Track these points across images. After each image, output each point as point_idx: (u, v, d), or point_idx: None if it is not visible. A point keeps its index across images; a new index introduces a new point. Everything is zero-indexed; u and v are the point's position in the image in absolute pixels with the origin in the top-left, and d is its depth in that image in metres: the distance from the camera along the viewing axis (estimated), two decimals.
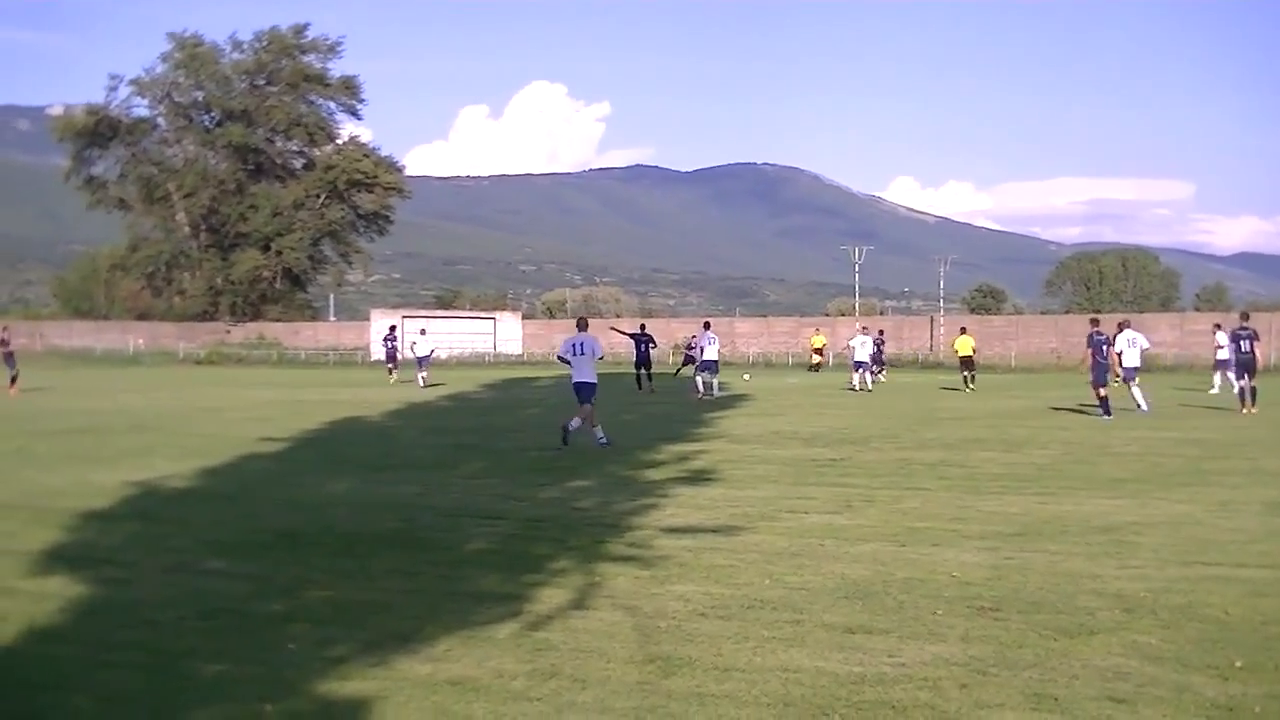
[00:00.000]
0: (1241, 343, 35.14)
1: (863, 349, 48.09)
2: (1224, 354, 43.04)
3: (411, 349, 59.72)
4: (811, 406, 38.09)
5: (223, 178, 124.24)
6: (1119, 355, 34.99)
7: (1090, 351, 33.72)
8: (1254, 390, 34.26)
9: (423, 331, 60.47)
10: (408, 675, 8.17)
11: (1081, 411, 34.42)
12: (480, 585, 11.00)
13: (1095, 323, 36.76)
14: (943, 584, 10.88)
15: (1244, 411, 33.45)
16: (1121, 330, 35.55)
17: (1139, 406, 33.54)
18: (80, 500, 16.61)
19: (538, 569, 11.67)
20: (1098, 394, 32.57)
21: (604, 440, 24.72)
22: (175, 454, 23.02)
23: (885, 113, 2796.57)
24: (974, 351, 50.38)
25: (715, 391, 43.21)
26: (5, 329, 50.90)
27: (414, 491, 17.68)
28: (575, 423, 25.03)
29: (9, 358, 48.15)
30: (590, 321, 30.13)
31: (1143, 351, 35.89)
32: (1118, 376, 35.27)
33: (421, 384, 54.71)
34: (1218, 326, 44.96)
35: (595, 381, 25.47)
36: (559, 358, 26.83)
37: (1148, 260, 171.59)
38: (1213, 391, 43.28)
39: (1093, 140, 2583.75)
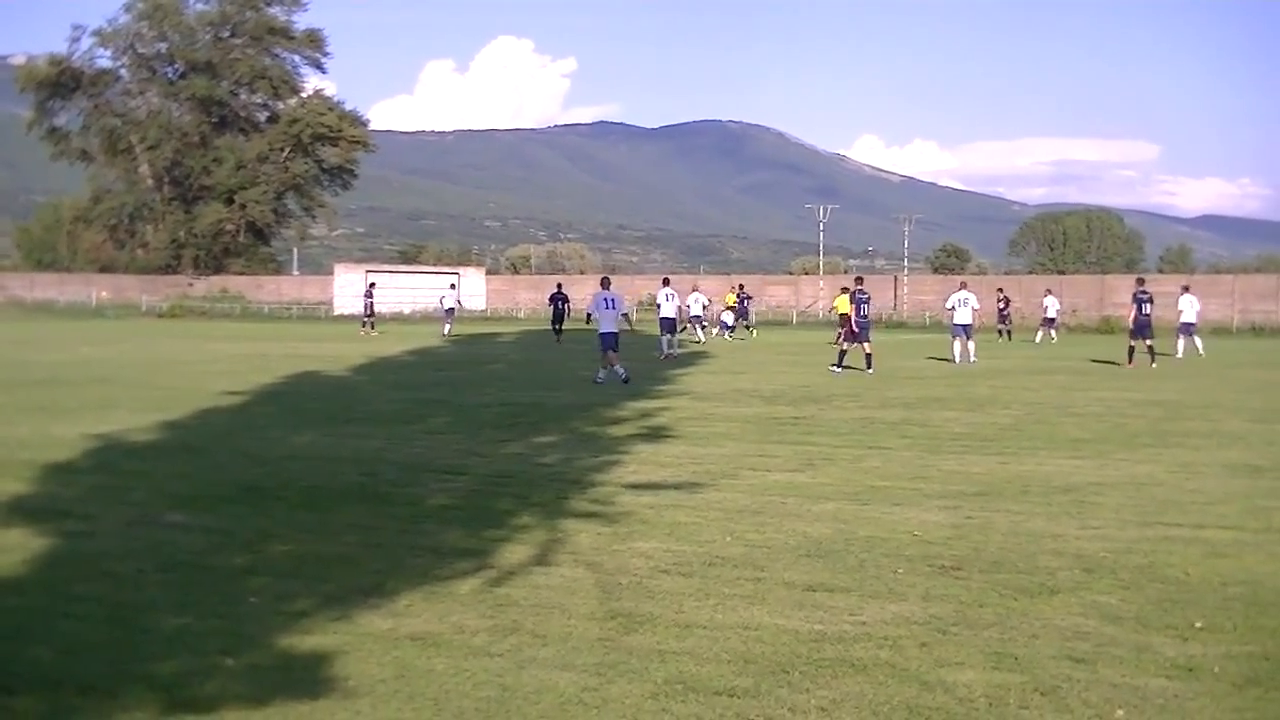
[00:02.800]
0: (1142, 305, 38.78)
1: (963, 310, 40.10)
2: (1187, 316, 44.40)
3: (441, 302, 63.89)
4: (774, 365, 38.13)
5: (186, 130, 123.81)
6: (1179, 313, 43.22)
7: (1134, 307, 38.97)
8: (1151, 349, 38.17)
9: (452, 286, 67.62)
10: (369, 630, 8.16)
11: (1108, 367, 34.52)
12: (442, 540, 10.99)
13: (1141, 282, 42.23)
14: (904, 543, 10.90)
15: (1131, 367, 37.26)
16: (1185, 292, 44.33)
17: (1199, 353, 42.34)
18: (42, 452, 16.55)
19: (500, 524, 11.67)
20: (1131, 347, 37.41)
21: (625, 375, 28.78)
22: (137, 407, 22.93)
23: (851, 71, 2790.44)
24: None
25: (675, 350, 42.58)
26: None
27: (376, 446, 17.66)
28: (603, 374, 29.29)
29: None
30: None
31: (1197, 312, 44.41)
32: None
33: (446, 333, 59.33)
34: (1185, 289, 45.62)
35: (617, 332, 29.96)
36: (588, 314, 32.39)
37: (1112, 221, 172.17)
38: (1177, 356, 43.55)
39: (1058, 101, 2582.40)
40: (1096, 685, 7.08)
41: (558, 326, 53.49)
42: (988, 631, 8.13)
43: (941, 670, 7.34)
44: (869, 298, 36.37)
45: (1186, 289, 46.06)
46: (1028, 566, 9.97)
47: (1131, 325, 39.54)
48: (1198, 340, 44.46)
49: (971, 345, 39.01)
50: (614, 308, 30.22)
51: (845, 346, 35.51)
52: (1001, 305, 60.81)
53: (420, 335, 61.05)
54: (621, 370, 29.06)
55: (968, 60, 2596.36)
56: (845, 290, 42.80)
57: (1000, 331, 59.51)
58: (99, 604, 8.83)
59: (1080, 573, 9.75)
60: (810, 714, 6.63)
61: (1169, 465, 15.89)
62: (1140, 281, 42.80)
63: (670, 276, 56.36)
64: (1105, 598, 8.98)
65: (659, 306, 44.47)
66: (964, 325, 39.26)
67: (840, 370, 34.02)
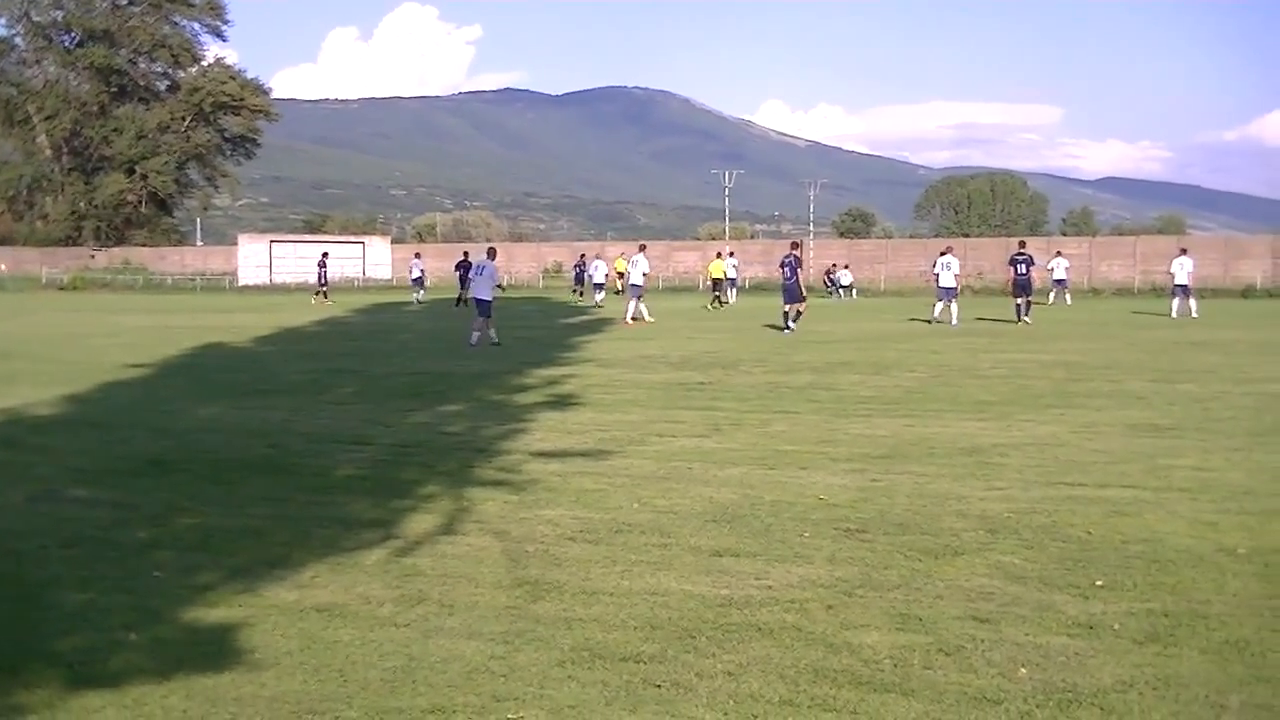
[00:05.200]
0: (1019, 266, 41.99)
1: (946, 274, 41.24)
2: (1180, 279, 46.50)
3: (409, 272, 68.20)
4: (681, 331, 38.16)
5: (85, 100, 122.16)
6: (1171, 275, 46.70)
7: (1011, 269, 42.41)
8: (1029, 305, 42.02)
9: (417, 255, 71.46)
10: (275, 602, 8.13)
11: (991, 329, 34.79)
12: (348, 511, 10.96)
13: (1022, 245, 45.99)
14: (810, 506, 10.96)
15: (1021, 323, 40.14)
16: (1182, 254, 46.82)
17: (1192, 314, 44.01)
18: None
19: (406, 494, 11.65)
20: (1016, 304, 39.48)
21: (496, 341, 31.19)
22: (39, 381, 22.71)
23: (755, 36, 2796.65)
24: (724, 275, 58.93)
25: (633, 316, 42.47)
26: None
27: (282, 417, 17.57)
28: (475, 338, 31.33)
29: None
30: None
31: (1189, 273, 46.23)
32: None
33: (418, 299, 62.34)
34: (1183, 251, 47.61)
35: (490, 299, 32.07)
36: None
37: (1016, 184, 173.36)
38: (1173, 316, 44.45)
39: (962, 64, 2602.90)
40: (1000, 644, 7.15)
41: (463, 293, 53.97)
42: (893, 593, 8.19)
43: (847, 633, 7.40)
44: (795, 260, 38.22)
45: (1184, 251, 48.10)
46: (932, 528, 10.05)
47: (1011, 286, 42.76)
48: (1192, 302, 45.73)
49: (955, 307, 40.39)
50: (484, 274, 32.77)
51: (790, 309, 37.14)
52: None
53: (326, 306, 60.66)
54: (493, 334, 31.60)
55: (872, 24, 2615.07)
56: (719, 255, 46.46)
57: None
58: (1, 581, 8.75)
59: (984, 534, 9.83)
60: (717, 678, 6.66)
61: (1072, 426, 16.05)
62: (1021, 245, 46.29)
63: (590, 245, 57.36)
64: (1009, 558, 9.07)
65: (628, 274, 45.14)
66: (948, 289, 40.88)
67: (791, 331, 35.90)
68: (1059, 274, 59.03)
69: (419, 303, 60.89)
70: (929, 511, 10.68)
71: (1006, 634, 7.34)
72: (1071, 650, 7.06)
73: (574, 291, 70.35)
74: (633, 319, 41.67)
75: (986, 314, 45.14)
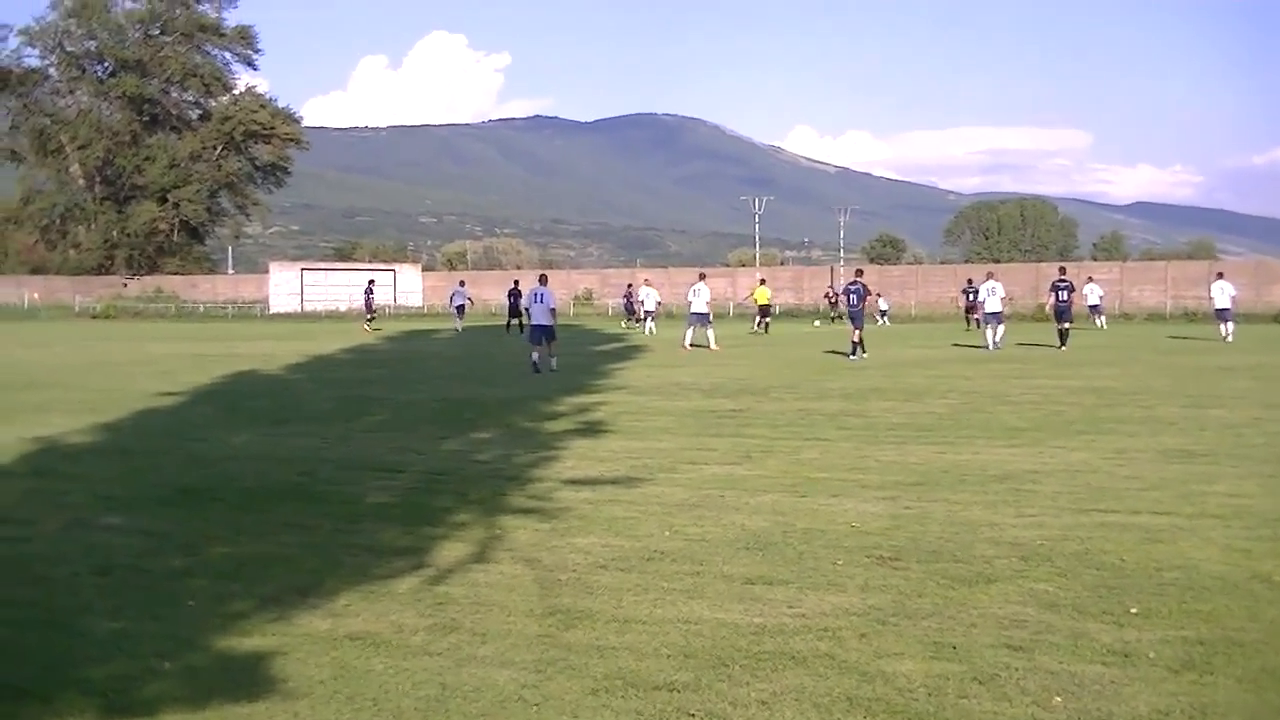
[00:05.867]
0: (1060, 292, 42.52)
1: (993, 299, 42.22)
2: (1221, 302, 46.82)
3: (451, 300, 66.64)
4: (712, 358, 38.14)
5: (117, 129, 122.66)
6: (1211, 299, 47.17)
7: (1051, 295, 43.34)
8: (1065, 333, 41.65)
9: (461, 284, 69.67)
10: (307, 630, 8.13)
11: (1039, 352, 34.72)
12: (380, 539, 10.96)
13: (1062, 271, 47.41)
14: (842, 534, 10.93)
15: (1062, 349, 40.32)
16: (1219, 278, 48.02)
17: (1226, 338, 44.47)
18: None
19: (438, 522, 11.64)
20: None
21: (554, 366, 31.54)
22: (72, 409, 22.77)
23: (784, 62, 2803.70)
24: (770, 300, 60.38)
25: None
26: None
27: (313, 445, 17.59)
28: (536, 357, 31.60)
29: None
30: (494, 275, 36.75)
31: (1231, 297, 46.60)
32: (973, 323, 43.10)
33: (459, 329, 61.60)
34: (1219, 275, 48.48)
35: (551, 325, 32.13)
36: (525, 308, 34.81)
37: (1046, 210, 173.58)
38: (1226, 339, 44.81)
39: (992, 90, 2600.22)
40: (1034, 673, 7.12)
41: (513, 321, 56.46)
42: (926, 621, 8.16)
43: (881, 661, 7.37)
44: (862, 288, 38.35)
45: (1221, 275, 49.54)
46: (965, 556, 10.01)
47: (1051, 311, 43.40)
48: (1227, 325, 45.99)
49: (1001, 330, 41.18)
50: (543, 302, 32.45)
51: (857, 335, 37.15)
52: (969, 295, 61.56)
53: (357, 332, 60.83)
54: (553, 361, 31.73)
55: (901, 50, 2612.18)
56: (762, 281, 46.53)
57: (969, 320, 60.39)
58: (34, 609, 8.76)
59: (1017, 561, 9.80)
60: (750, 707, 6.64)
61: (1104, 452, 15.98)
62: (1062, 271, 47.71)
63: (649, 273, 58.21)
64: (1042, 585, 9.03)
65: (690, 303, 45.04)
66: (994, 313, 41.61)
67: (858, 359, 36.06)
68: (1092, 299, 58.99)
69: (458, 331, 60.37)
70: (962, 539, 10.65)
71: (1041, 662, 7.30)
72: (1106, 679, 7.02)
73: (627, 322, 68.93)
74: (692, 344, 42.41)
75: (1022, 339, 45.08)
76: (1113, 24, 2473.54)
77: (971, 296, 42.90)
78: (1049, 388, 25.72)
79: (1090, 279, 60.65)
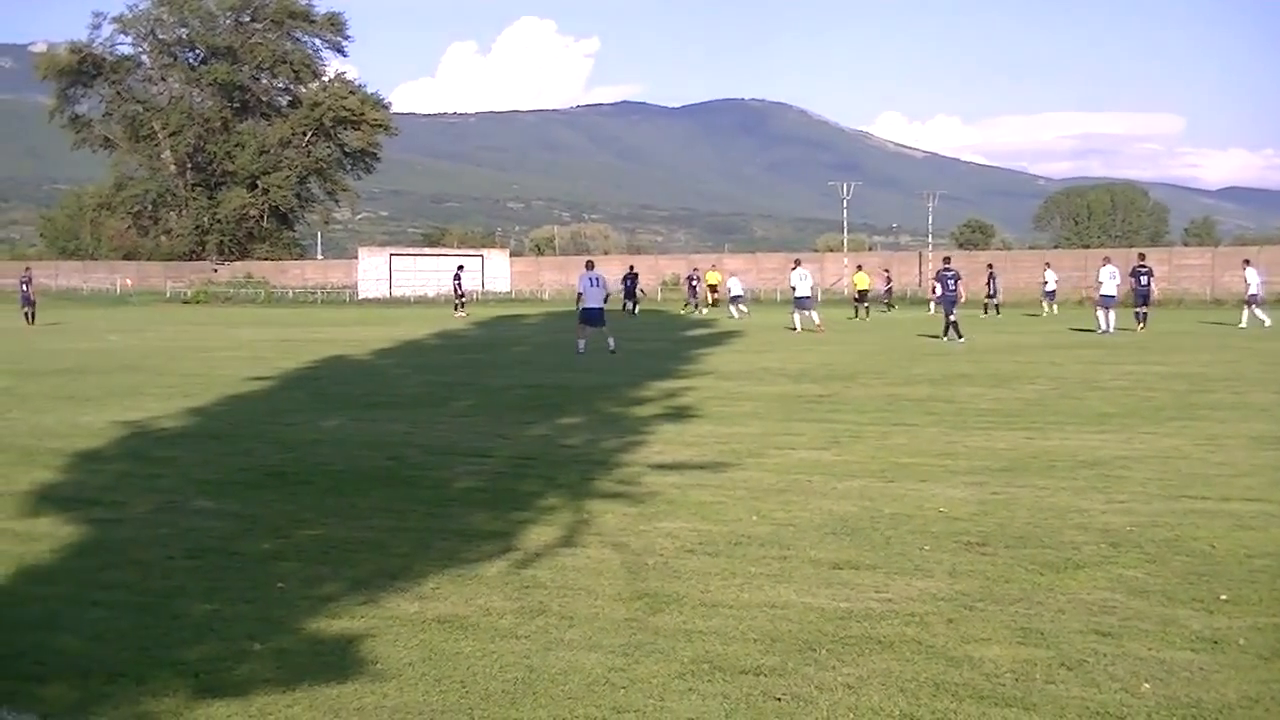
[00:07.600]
0: (1140, 278, 44.12)
1: (1110, 283, 42.78)
2: (1253, 289, 46.83)
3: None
4: (799, 343, 38.07)
5: (208, 115, 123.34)
6: (1247, 282, 46.59)
7: (1133, 280, 44.26)
8: (1146, 315, 43.59)
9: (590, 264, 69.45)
10: (396, 613, 8.19)
11: (1078, 339, 34.49)
12: (468, 523, 11.01)
13: (1141, 257, 48.89)
14: (930, 519, 10.91)
15: (1139, 330, 42.11)
16: (1247, 266, 48.07)
17: (1264, 322, 44.63)
18: (69, 440, 16.62)
19: (526, 506, 11.68)
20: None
21: (613, 346, 32.72)
22: (164, 393, 22.99)
23: (872, 46, 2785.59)
24: (870, 286, 61.15)
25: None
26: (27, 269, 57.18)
27: (402, 429, 17.67)
28: (583, 344, 32.78)
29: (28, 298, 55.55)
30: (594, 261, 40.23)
31: (1260, 283, 47.33)
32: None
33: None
34: (1246, 262, 47.50)
35: (602, 308, 33.64)
36: (579, 293, 34.41)
37: (1136, 195, 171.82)
38: (1241, 326, 44.46)
39: (1082, 74, 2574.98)
40: (1122, 659, 7.08)
41: (629, 304, 61.17)
42: (1014, 607, 8.14)
43: (968, 646, 7.35)
44: (956, 274, 39.24)
45: (1247, 262, 49.45)
46: (1053, 541, 9.96)
47: (1134, 295, 44.71)
48: (1260, 312, 45.83)
49: (1113, 315, 41.76)
50: (598, 286, 34.04)
51: (953, 318, 37.95)
52: (989, 280, 62.28)
53: (444, 318, 61.05)
54: (611, 341, 32.99)
55: (989, 35, 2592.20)
56: (860, 268, 47.45)
57: (986, 307, 61.28)
58: (127, 591, 8.87)
59: (1106, 547, 9.74)
60: (837, 691, 6.64)
61: (1195, 438, 15.86)
62: (1141, 256, 49.66)
63: (722, 259, 60.45)
64: (1131, 571, 8.98)
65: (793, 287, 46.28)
66: (1109, 296, 42.12)
67: (957, 340, 36.85)
68: (1253, 287, 57.97)
69: (634, 314, 60.94)
70: (1050, 525, 10.59)
71: (1129, 648, 7.26)
72: (1196, 665, 6.98)
73: (689, 305, 68.97)
74: (802, 328, 43.87)
75: (1122, 325, 44.79)
76: (1204, 6, 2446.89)
77: (1144, 279, 42.56)
78: (1139, 373, 25.52)
79: (1246, 262, 55.53)
